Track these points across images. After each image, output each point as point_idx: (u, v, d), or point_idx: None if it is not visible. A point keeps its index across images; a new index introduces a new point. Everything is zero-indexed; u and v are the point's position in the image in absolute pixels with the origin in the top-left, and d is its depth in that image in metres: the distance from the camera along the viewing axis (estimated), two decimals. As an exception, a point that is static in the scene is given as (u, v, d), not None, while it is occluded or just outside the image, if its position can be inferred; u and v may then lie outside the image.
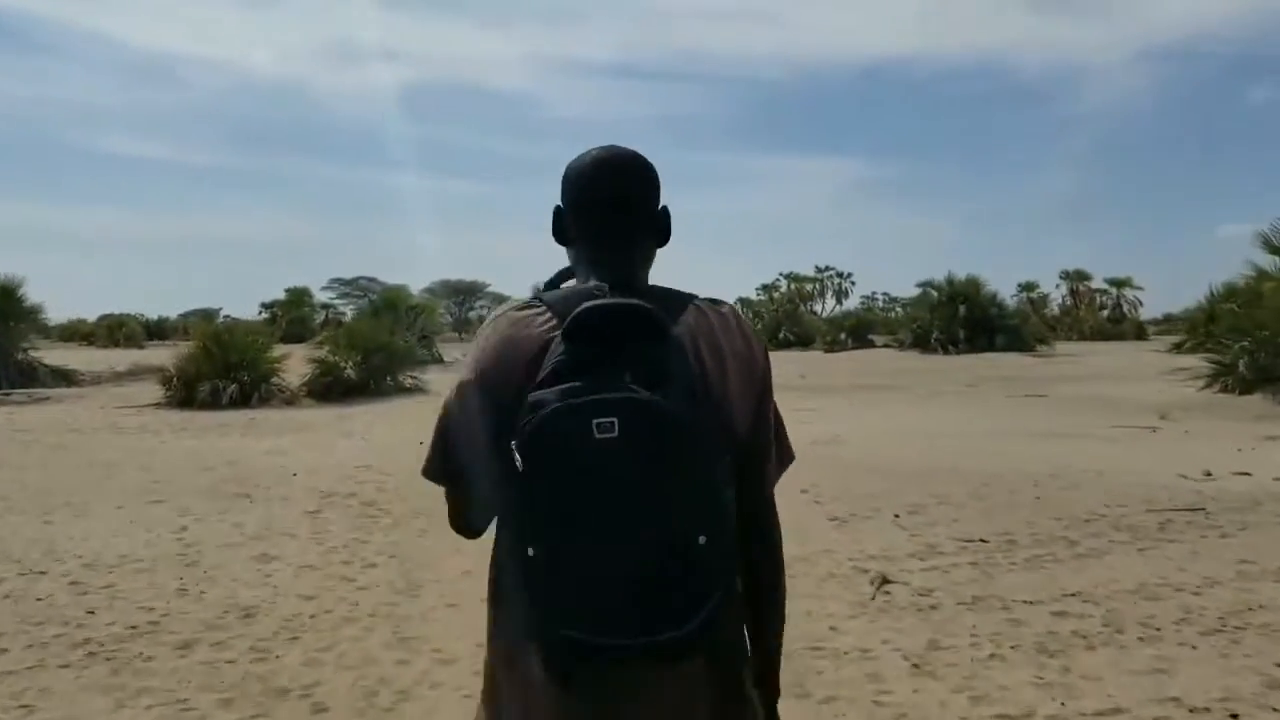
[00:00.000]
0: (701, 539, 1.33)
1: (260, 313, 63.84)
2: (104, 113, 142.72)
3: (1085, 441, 11.49)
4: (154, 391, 18.40)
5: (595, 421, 1.31)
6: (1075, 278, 71.75)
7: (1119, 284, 71.67)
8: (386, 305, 32.00)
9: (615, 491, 1.32)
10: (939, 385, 21.32)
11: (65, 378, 23.25)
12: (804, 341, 45.22)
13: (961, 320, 33.32)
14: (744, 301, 71.60)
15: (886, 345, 40.28)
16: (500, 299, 73.71)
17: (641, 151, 1.64)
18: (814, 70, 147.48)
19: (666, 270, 1.67)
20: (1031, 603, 4.93)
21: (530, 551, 1.33)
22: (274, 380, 18.95)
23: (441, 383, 23.48)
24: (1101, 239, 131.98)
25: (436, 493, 1.57)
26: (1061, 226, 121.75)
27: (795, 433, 1.67)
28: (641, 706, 1.43)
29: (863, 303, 78.27)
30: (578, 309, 1.41)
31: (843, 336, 41.61)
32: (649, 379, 1.35)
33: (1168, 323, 67.23)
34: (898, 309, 79.27)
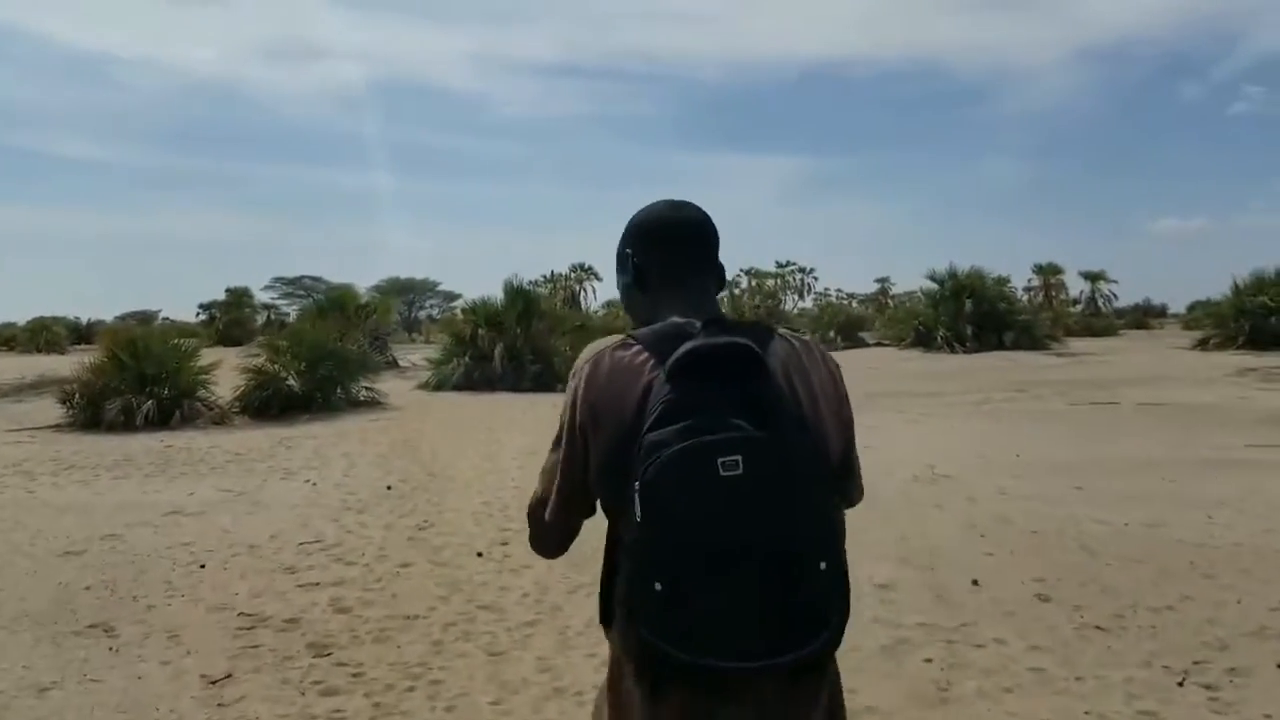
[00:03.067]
0: (823, 564, 1.35)
1: (198, 314, 60.04)
2: (36, 112, 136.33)
3: (1259, 471, 8.70)
4: (56, 410, 14.95)
5: (720, 460, 1.31)
6: (1048, 271, 69.73)
7: (1093, 278, 69.75)
8: (333, 305, 28.49)
9: (740, 525, 1.32)
10: (981, 391, 18.42)
11: (-46, 392, 19.68)
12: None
13: (969, 316, 30.48)
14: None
15: (879, 344, 37.45)
16: (452, 297, 70.29)
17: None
18: (754, 71, 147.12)
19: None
20: None
21: (657, 586, 1.32)
22: (200, 395, 15.61)
23: (399, 391, 20.17)
24: (1040, 233, 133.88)
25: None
26: (1002, 222, 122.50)
27: (867, 459, 1.59)
28: None
29: (817, 299, 76.24)
30: (681, 349, 1.41)
31: (832, 334, 38.56)
32: (758, 414, 1.36)
33: (1120, 317, 65.50)
34: (854, 304, 77.03)
